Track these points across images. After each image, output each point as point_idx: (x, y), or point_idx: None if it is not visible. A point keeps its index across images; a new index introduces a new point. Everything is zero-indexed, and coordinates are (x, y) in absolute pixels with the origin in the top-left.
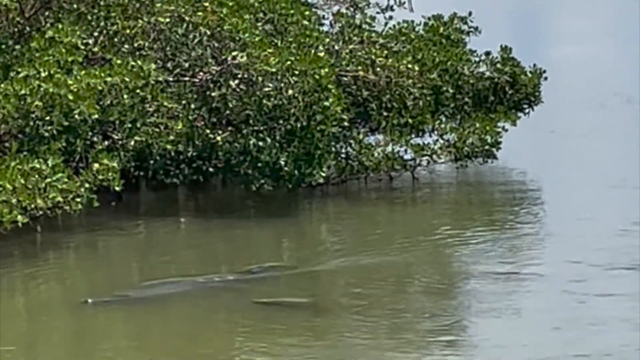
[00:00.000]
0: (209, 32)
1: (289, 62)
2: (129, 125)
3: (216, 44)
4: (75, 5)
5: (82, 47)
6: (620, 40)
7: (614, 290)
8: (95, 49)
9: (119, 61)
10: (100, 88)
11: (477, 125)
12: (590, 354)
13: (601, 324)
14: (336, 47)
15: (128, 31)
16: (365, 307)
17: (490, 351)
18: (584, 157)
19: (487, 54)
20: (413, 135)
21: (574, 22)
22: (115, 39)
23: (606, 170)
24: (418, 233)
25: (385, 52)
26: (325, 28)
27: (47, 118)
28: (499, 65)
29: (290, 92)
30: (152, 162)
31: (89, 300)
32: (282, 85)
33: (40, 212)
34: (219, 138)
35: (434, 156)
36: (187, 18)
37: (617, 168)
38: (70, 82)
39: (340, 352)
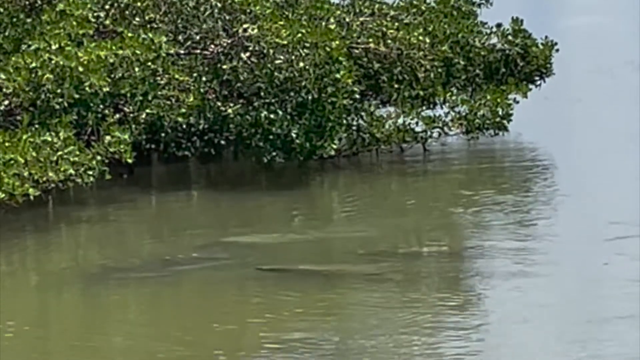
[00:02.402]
0: (220, 5)
1: (300, 35)
2: (140, 98)
3: (227, 17)
4: None
5: (93, 20)
6: (629, 9)
7: (630, 256)
8: (107, 22)
9: (130, 34)
10: (111, 61)
11: (488, 97)
12: (604, 319)
13: (619, 286)
14: (347, 20)
15: (139, 4)
16: (376, 274)
17: (501, 314)
18: (595, 127)
19: (498, 25)
20: (424, 108)
21: None
22: (126, 12)
23: (618, 141)
24: (429, 203)
25: (396, 24)
26: (336, 0)
27: (58, 91)
28: (510, 37)
29: (301, 64)
30: (163, 134)
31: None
32: (293, 57)
33: (52, 185)
34: (230, 111)
35: (445, 128)
36: None
37: (629, 137)
38: (81, 54)
39: (350, 317)
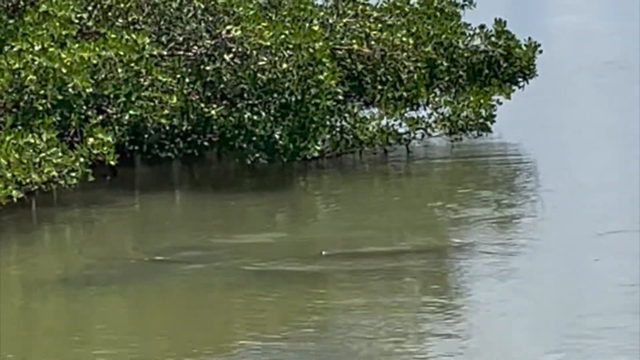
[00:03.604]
0: (203, 6)
1: (283, 36)
2: (124, 99)
3: (210, 18)
4: None
5: (76, 21)
6: (611, 9)
7: (613, 256)
8: (90, 23)
9: (113, 35)
10: (94, 62)
11: (472, 98)
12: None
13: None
14: (330, 21)
15: (122, 5)
16: (358, 274)
17: (484, 312)
18: (577, 127)
19: (482, 27)
20: (407, 109)
21: None
22: (109, 13)
23: (601, 142)
24: (413, 203)
25: (380, 25)
26: (319, 1)
27: (41, 92)
28: (493, 39)
29: (284, 65)
30: (146, 136)
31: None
32: (277, 59)
33: (35, 187)
34: (213, 112)
35: (429, 129)
36: None
37: (612, 137)
38: (64, 55)
39: (334, 316)
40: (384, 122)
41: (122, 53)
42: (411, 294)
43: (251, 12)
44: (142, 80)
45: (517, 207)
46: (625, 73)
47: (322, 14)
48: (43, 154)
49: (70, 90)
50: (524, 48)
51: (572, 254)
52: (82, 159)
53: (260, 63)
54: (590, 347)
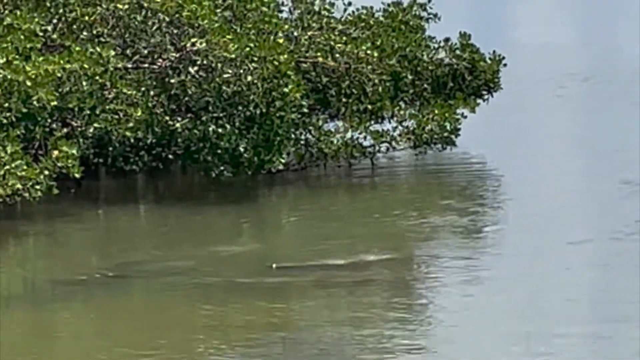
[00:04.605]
0: (167, 19)
1: (248, 49)
2: (88, 112)
3: (175, 31)
4: None
5: (41, 34)
6: (576, 22)
7: (573, 268)
8: (54, 36)
9: (77, 48)
10: (59, 75)
11: (436, 111)
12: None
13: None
14: (295, 34)
15: (87, 18)
16: (323, 286)
17: (447, 324)
18: (541, 139)
19: (446, 40)
20: (372, 122)
21: (531, 7)
22: (74, 26)
23: (564, 153)
24: (377, 215)
25: (345, 38)
26: (284, 14)
27: (6, 105)
28: (458, 52)
29: (249, 78)
30: (111, 149)
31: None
32: (242, 71)
33: None
34: (178, 125)
35: (393, 143)
36: (145, 4)
37: (576, 148)
38: (28, 68)
39: (297, 330)
40: (348, 135)
41: (86, 66)
42: (376, 305)
43: (216, 25)
44: (106, 93)
45: (482, 217)
46: (587, 84)
47: (287, 26)
48: (7, 167)
49: (34, 103)
50: (489, 61)
51: (537, 262)
52: (46, 172)
53: (225, 76)
54: (556, 356)
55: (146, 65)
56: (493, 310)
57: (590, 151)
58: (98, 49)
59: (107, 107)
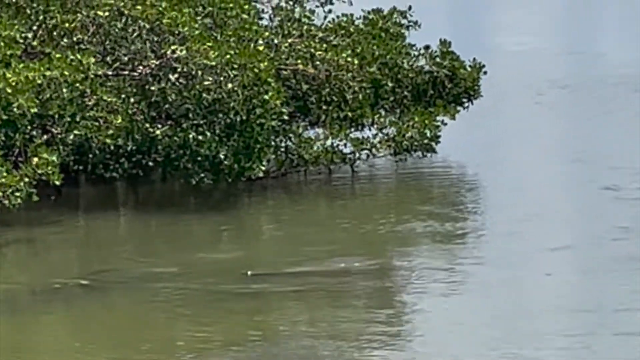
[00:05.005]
0: (148, 26)
1: (228, 56)
2: (68, 119)
3: (155, 38)
4: None
5: (21, 41)
6: (556, 30)
7: (553, 276)
8: (34, 43)
9: (58, 55)
10: (39, 82)
11: (417, 119)
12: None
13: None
14: (275, 41)
15: (67, 25)
16: (302, 293)
17: (428, 332)
18: (521, 146)
19: (427, 47)
20: (352, 129)
21: (512, 14)
22: (55, 33)
23: (544, 159)
24: (357, 222)
25: (325, 45)
26: (264, 22)
27: None
28: (438, 59)
29: (229, 85)
30: (91, 156)
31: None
32: (222, 79)
33: None
34: (158, 132)
35: (374, 150)
36: (126, 12)
37: (555, 154)
38: (8, 75)
39: (277, 337)
40: (328, 142)
41: (67, 73)
42: (355, 313)
43: (196, 32)
44: (87, 100)
45: (462, 224)
46: (566, 92)
47: (267, 34)
48: None
49: (15, 110)
50: (469, 69)
51: (517, 268)
52: (26, 179)
53: (206, 83)
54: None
55: (126, 72)
56: (473, 316)
57: (570, 157)
58: (78, 56)
59: (88, 114)
